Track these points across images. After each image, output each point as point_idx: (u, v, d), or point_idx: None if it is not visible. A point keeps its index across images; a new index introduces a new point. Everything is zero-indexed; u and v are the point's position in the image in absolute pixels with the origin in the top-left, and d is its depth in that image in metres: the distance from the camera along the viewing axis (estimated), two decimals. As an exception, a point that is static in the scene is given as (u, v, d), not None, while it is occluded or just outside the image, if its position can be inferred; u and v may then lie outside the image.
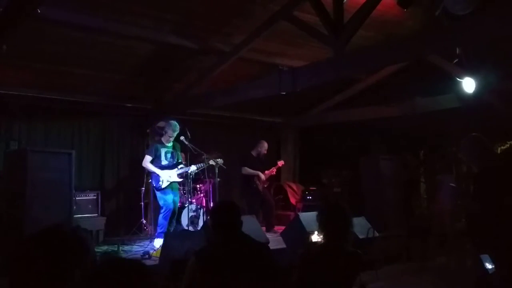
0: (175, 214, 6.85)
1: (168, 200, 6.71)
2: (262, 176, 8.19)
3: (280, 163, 8.71)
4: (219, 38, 6.86)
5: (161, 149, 6.85)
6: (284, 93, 6.44)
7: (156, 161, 6.80)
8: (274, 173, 8.62)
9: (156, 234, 6.65)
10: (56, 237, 1.54)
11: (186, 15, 6.24)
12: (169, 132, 6.79)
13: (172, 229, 6.74)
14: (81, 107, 7.80)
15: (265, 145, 8.42)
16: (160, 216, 6.71)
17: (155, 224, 7.09)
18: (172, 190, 6.79)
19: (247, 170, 8.14)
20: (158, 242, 6.27)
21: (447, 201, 7.58)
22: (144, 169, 7.07)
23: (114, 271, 1.44)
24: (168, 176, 6.74)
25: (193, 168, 6.89)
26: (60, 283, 1.48)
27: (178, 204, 6.97)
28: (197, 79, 7.63)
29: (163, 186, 6.69)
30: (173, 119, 6.94)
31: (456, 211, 7.20)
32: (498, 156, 5.06)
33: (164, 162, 6.82)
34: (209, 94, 7.69)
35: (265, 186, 8.36)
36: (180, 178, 6.90)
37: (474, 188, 3.91)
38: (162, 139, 6.95)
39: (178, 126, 6.80)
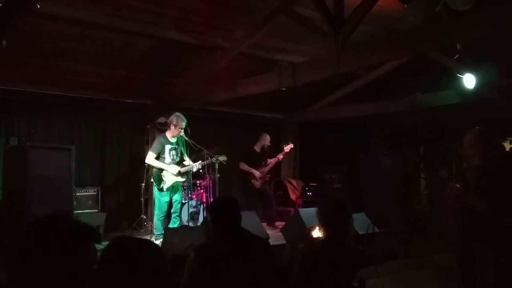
0: (178, 211, 6.83)
1: (162, 201, 6.61)
2: (257, 174, 7.98)
3: (287, 148, 8.22)
4: (219, 33, 6.84)
5: (166, 145, 6.68)
6: (284, 88, 6.43)
7: (160, 159, 6.65)
8: (281, 158, 8.33)
9: (154, 236, 6.60)
10: (56, 226, 1.50)
11: (186, 11, 6.22)
12: (180, 123, 6.58)
13: (176, 225, 6.72)
14: (81, 102, 7.79)
15: (268, 137, 8.25)
16: (155, 217, 6.69)
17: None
18: (172, 189, 6.69)
19: (244, 166, 8.07)
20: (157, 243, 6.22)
21: (451, 199, 7.58)
22: (145, 165, 7.03)
23: (125, 249, 1.40)
24: (172, 177, 6.63)
25: (196, 167, 6.82)
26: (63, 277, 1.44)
27: (181, 201, 6.93)
28: (197, 74, 7.62)
29: (165, 189, 6.61)
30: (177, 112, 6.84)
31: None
32: (503, 151, 5.02)
33: (167, 160, 6.66)
34: (209, 89, 7.68)
35: (264, 181, 8.15)
36: (182, 177, 6.81)
37: (480, 184, 3.84)
38: (168, 133, 6.74)
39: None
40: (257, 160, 8.13)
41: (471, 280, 3.92)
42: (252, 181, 8.01)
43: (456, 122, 7.63)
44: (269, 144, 8.28)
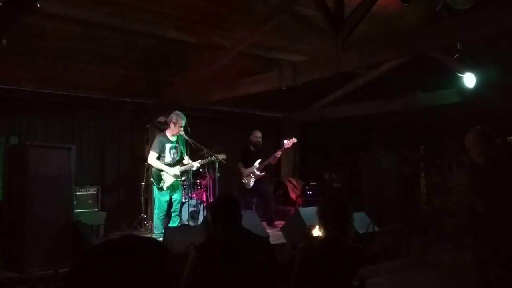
0: (177, 211, 6.83)
1: (162, 200, 6.62)
2: (244, 173, 7.97)
3: (288, 143, 7.94)
4: (219, 32, 6.84)
5: (166, 144, 6.67)
6: (284, 88, 6.43)
7: (160, 158, 6.66)
8: (279, 155, 8.08)
9: (154, 235, 6.58)
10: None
11: (187, 10, 6.22)
12: (179, 121, 6.58)
13: (176, 224, 6.72)
14: (81, 102, 7.79)
15: (256, 133, 8.18)
16: (155, 217, 6.70)
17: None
18: (172, 188, 6.68)
19: (239, 166, 8.09)
20: None
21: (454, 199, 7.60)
22: (145, 164, 7.03)
23: (128, 248, 1.35)
24: (171, 176, 6.63)
25: (196, 165, 6.83)
26: None
27: (181, 200, 6.93)
28: (197, 74, 7.62)
29: (165, 188, 6.61)
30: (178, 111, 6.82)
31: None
32: (504, 150, 5.04)
33: (168, 159, 6.66)
34: (209, 89, 7.68)
35: (260, 179, 7.97)
36: (182, 176, 6.81)
37: (481, 184, 3.85)
38: (168, 132, 6.73)
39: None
40: (251, 159, 8.07)
41: (487, 279, 3.92)
42: (243, 181, 8.00)
43: (456, 121, 7.64)
44: (259, 139, 8.15)
